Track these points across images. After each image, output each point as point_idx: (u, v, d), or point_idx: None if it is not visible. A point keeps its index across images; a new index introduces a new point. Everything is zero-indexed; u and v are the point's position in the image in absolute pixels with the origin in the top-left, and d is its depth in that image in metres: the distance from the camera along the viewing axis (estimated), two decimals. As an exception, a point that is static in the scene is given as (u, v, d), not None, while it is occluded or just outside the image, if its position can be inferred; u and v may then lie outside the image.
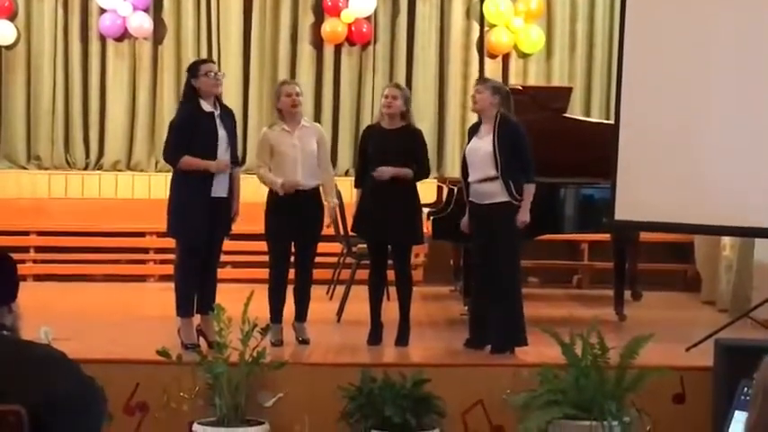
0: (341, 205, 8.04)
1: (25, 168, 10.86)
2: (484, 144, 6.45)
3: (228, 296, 6.14)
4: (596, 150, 7.33)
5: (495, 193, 6.39)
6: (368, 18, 10.93)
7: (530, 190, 6.41)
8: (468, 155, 6.56)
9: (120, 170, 10.90)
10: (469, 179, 6.53)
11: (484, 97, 6.46)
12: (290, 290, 6.68)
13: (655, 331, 5.77)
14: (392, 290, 6.93)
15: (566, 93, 8.70)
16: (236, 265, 9.22)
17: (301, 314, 6.72)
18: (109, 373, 4.85)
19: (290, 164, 6.55)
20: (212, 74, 6.42)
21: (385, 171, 6.51)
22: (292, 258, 6.71)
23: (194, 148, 6.32)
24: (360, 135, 7.72)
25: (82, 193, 10.65)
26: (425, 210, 7.17)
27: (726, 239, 8.35)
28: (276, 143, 6.61)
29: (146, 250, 9.90)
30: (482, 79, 7.04)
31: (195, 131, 6.35)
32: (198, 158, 6.30)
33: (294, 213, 6.52)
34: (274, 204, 6.58)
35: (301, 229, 6.58)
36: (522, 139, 6.43)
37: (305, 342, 6.66)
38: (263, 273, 6.73)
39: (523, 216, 6.39)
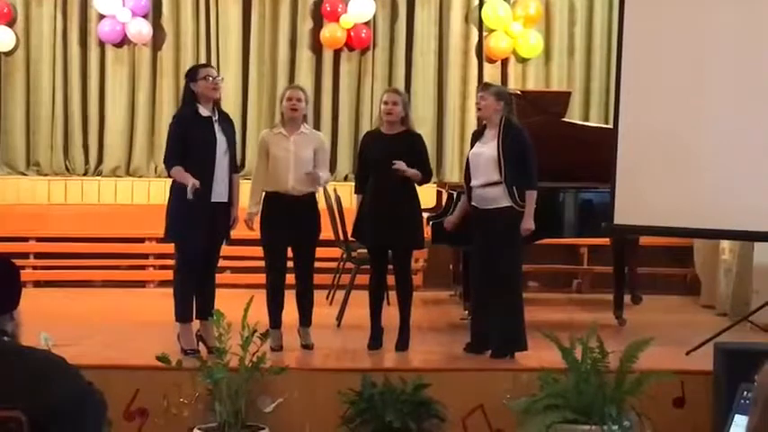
0: (340, 210, 8.05)
1: (25, 174, 10.88)
2: (487, 149, 6.45)
3: (228, 301, 6.14)
4: (595, 154, 7.33)
5: (498, 197, 6.39)
6: (367, 23, 10.95)
7: (532, 197, 6.40)
8: (471, 160, 6.56)
9: (119, 176, 10.92)
10: (472, 184, 6.52)
11: (488, 104, 6.45)
12: (290, 295, 6.69)
13: (654, 335, 5.76)
14: (392, 294, 6.94)
15: (564, 97, 8.70)
16: (235, 270, 9.22)
17: (306, 319, 6.72)
18: (108, 379, 4.85)
19: (283, 168, 6.56)
20: (211, 78, 6.43)
21: (402, 165, 6.48)
22: (290, 264, 6.72)
23: (192, 152, 6.32)
24: (359, 140, 7.71)
25: (81, 198, 10.67)
26: (425, 214, 7.17)
27: (725, 243, 8.34)
28: (272, 146, 6.62)
29: (145, 256, 9.90)
30: (484, 84, 6.98)
31: (192, 136, 6.34)
32: (187, 173, 6.22)
33: (289, 220, 6.52)
34: (269, 211, 6.58)
35: (297, 235, 6.58)
36: (526, 145, 6.42)
37: (308, 347, 6.65)
38: (263, 278, 6.72)
39: (527, 224, 6.38)
